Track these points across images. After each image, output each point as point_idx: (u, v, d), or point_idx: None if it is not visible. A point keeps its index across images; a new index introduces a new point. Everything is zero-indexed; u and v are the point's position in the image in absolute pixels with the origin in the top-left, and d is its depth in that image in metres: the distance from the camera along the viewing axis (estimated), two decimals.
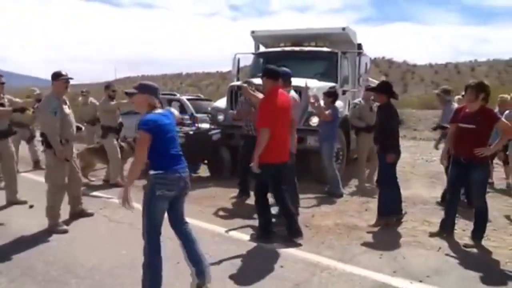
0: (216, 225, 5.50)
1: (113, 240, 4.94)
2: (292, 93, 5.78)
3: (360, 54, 9.16)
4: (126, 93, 3.57)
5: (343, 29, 9.14)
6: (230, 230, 5.29)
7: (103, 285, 3.84)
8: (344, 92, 8.64)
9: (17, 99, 6.64)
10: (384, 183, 5.53)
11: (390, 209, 5.49)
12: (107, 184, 7.70)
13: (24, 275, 4.01)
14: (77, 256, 4.46)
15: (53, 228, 5.21)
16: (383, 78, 16.21)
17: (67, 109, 5.34)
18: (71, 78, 5.38)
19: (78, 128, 5.69)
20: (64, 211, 5.56)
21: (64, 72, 5.36)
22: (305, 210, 6.07)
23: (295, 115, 5.43)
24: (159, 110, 3.46)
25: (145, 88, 3.48)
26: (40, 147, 7.05)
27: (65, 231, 5.22)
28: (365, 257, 4.46)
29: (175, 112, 4.00)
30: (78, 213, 5.76)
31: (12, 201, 6.30)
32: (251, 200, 6.58)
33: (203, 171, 8.75)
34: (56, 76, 5.29)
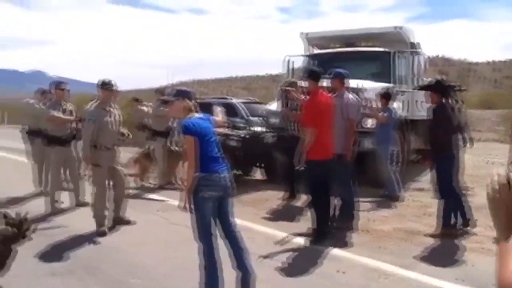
0: (269, 228, 5.51)
1: (171, 242, 5.05)
2: (349, 95, 5.71)
3: (416, 53, 8.87)
4: (164, 101, 3.69)
5: (395, 28, 8.91)
6: (285, 232, 5.27)
7: (161, 286, 3.92)
8: (401, 93, 8.39)
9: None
10: (444, 192, 5.20)
11: (455, 219, 5.25)
12: (163, 186, 7.86)
13: (89, 274, 4.17)
14: (137, 257, 4.59)
15: (97, 228, 5.38)
16: (443, 77, 15.58)
17: (108, 118, 5.47)
18: (114, 87, 5.53)
19: (123, 135, 5.83)
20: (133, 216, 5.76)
21: (108, 81, 5.53)
22: (364, 214, 5.93)
23: (352, 115, 5.42)
24: (195, 114, 3.59)
25: (181, 93, 3.63)
26: None
27: (104, 233, 5.31)
28: (426, 263, 4.31)
29: (219, 115, 4.08)
30: (118, 219, 5.73)
31: (78, 203, 6.58)
32: (300, 202, 6.55)
33: (259, 174, 8.79)
34: (102, 85, 5.49)
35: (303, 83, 6.28)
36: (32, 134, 7.33)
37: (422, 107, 9.12)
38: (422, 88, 5.96)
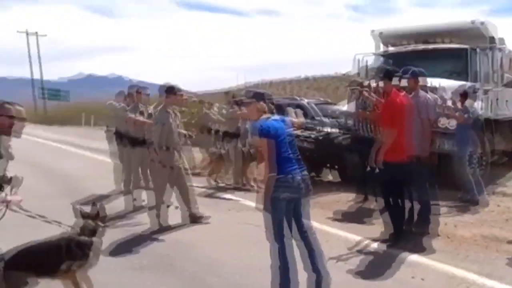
0: (340, 230, 5.44)
1: (243, 241, 5.15)
2: (427, 94, 5.51)
3: (497, 48, 8.32)
4: (242, 103, 3.78)
5: (473, 22, 8.40)
6: (356, 235, 5.18)
7: (235, 284, 4.01)
8: (484, 92, 7.90)
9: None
10: None
11: None
12: (237, 186, 8.00)
13: (167, 270, 4.36)
14: (212, 255, 4.73)
15: (158, 224, 5.69)
16: None
17: (172, 120, 5.77)
18: (178, 92, 5.89)
19: (185, 136, 6.11)
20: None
21: (173, 86, 5.89)
22: (443, 219, 5.66)
23: (429, 115, 5.25)
24: (268, 115, 3.66)
25: (260, 96, 3.77)
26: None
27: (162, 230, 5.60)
28: (509, 272, 4.04)
29: (297, 116, 4.13)
30: (193, 216, 5.93)
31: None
32: (373, 205, 6.39)
33: (331, 176, 8.70)
34: (168, 90, 5.79)
35: (374, 83, 6.14)
36: (115, 135, 7.71)
37: (509, 106, 8.56)
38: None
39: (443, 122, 6.93)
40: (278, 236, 3.55)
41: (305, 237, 3.67)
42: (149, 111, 6.76)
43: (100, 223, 3.50)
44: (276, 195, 3.45)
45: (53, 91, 40.04)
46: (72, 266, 3.33)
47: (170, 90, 5.83)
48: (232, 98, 8.16)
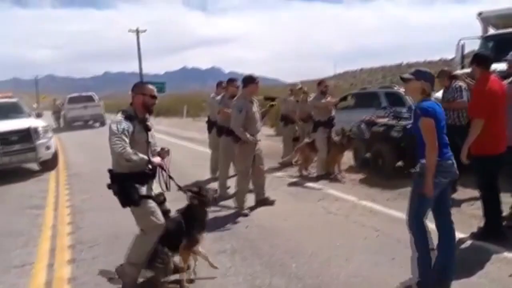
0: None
1: (329, 231, 5.14)
2: None
3: None
4: (402, 78, 3.67)
5: None
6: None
7: (319, 273, 4.03)
8: None
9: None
10: None
11: None
12: (324, 176, 7.94)
13: (254, 255, 4.52)
14: (297, 243, 4.80)
15: (238, 210, 6.00)
16: None
17: (254, 108, 6.00)
18: (257, 81, 6.10)
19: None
20: None
21: (253, 76, 6.12)
22: None
23: None
24: (432, 98, 3.54)
25: (421, 75, 3.54)
26: None
27: (246, 215, 5.89)
28: None
29: None
30: (261, 201, 6.29)
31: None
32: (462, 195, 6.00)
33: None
34: (248, 81, 6.04)
35: (463, 70, 5.75)
36: (211, 124, 8.07)
37: None
38: None
39: None
40: (419, 221, 3.54)
41: (448, 227, 3.63)
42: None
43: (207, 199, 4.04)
44: (437, 180, 3.39)
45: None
46: (191, 239, 3.86)
47: (248, 80, 6.08)
48: (325, 87, 8.10)
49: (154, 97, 3.86)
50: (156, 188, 3.84)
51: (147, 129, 3.79)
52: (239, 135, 5.92)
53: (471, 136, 4.32)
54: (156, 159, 3.77)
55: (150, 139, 3.81)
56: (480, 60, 4.56)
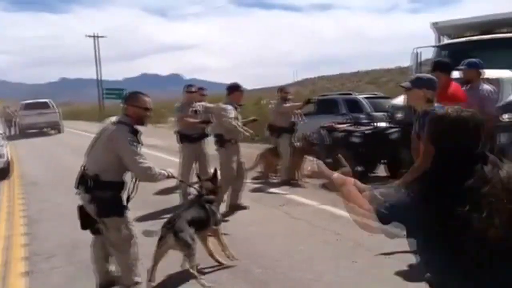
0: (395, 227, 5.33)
1: (292, 236, 5.18)
2: (486, 86, 5.24)
3: None
4: (402, 86, 3.65)
5: None
6: None
7: (284, 277, 4.06)
8: None
9: (211, 105, 7.34)
10: None
11: None
12: (287, 182, 7.99)
13: (214, 262, 4.45)
14: (261, 248, 4.82)
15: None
16: None
17: (235, 114, 6.16)
18: (242, 88, 6.42)
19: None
20: None
21: (239, 85, 6.38)
22: None
23: (488, 109, 4.97)
24: (435, 105, 3.44)
25: (421, 83, 3.51)
26: None
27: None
28: None
29: None
30: (234, 206, 6.34)
31: None
32: None
33: (382, 171, 8.54)
34: (233, 88, 6.29)
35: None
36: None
37: None
38: None
39: (509, 116, 6.56)
40: None
41: None
42: (199, 109, 6.90)
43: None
44: None
45: (110, 90, 41.66)
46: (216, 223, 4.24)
47: (233, 88, 6.30)
48: (285, 94, 8.20)
49: (147, 109, 3.76)
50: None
51: (140, 142, 3.69)
52: (235, 127, 6.03)
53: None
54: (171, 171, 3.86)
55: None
56: (443, 67, 4.74)
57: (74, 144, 15.88)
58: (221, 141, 6.15)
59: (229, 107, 6.13)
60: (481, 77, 5.28)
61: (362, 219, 1.87)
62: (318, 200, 6.62)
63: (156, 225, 4.42)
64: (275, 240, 5.08)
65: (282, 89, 8.32)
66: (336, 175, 2.08)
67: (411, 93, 3.55)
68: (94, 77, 42.64)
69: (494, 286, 1.41)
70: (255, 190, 7.66)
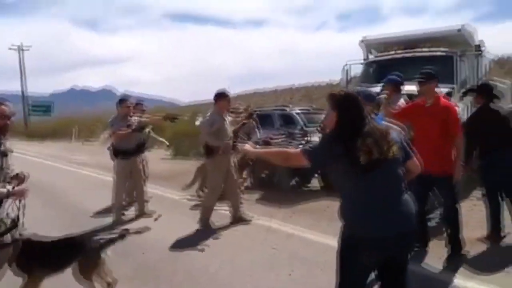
0: (328, 236, 5.45)
1: (229, 249, 5.16)
2: (401, 100, 5.55)
3: (479, 54, 8.49)
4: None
5: (459, 30, 8.56)
6: None
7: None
8: (463, 96, 8.04)
9: (144, 117, 7.17)
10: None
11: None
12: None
13: (154, 279, 4.39)
14: (198, 263, 4.75)
15: (202, 222, 6.10)
16: (489, 80, 14.80)
17: (225, 125, 6.09)
18: (229, 96, 6.20)
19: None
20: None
21: (226, 93, 6.14)
22: None
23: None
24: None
25: (364, 97, 3.59)
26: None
27: (208, 227, 6.01)
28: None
29: None
30: (239, 218, 6.28)
31: (141, 214, 6.84)
32: None
33: (316, 182, 8.75)
34: (219, 96, 6.07)
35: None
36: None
37: None
38: (467, 91, 5.85)
39: None
40: None
41: None
42: (134, 122, 6.71)
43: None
44: None
45: (37, 105, 39.61)
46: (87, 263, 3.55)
47: (218, 96, 6.10)
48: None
49: (5, 117, 3.34)
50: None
51: (4, 154, 3.32)
52: (212, 143, 5.92)
53: None
54: (19, 190, 3.25)
55: (4, 165, 3.31)
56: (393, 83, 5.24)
57: None
58: (207, 151, 6.07)
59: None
60: (402, 92, 5.60)
61: (285, 156, 2.74)
62: (255, 213, 6.66)
63: None
64: (213, 254, 5.03)
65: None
66: (250, 147, 3.07)
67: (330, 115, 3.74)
68: (18, 90, 40.36)
69: (371, 183, 2.44)
70: (191, 207, 7.55)
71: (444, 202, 4.61)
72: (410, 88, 6.28)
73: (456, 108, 6.66)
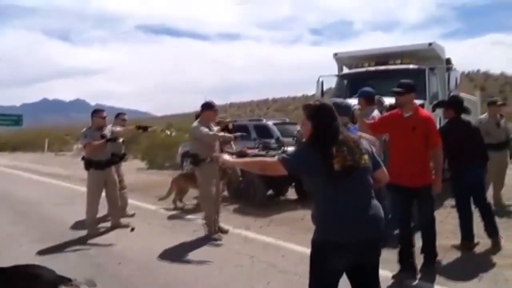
0: (303, 247, 5.51)
1: (206, 260, 5.11)
2: (375, 112, 5.68)
3: (449, 69, 8.79)
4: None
5: (430, 44, 8.85)
6: None
7: None
8: (434, 109, 8.29)
9: (118, 128, 7.13)
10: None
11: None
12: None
13: None
14: (174, 275, 4.71)
15: (210, 235, 6.01)
16: (478, 92, 15.36)
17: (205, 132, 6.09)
18: (216, 107, 6.30)
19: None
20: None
21: (212, 104, 6.27)
22: None
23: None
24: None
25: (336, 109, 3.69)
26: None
27: (219, 239, 5.92)
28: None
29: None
30: (218, 228, 6.25)
31: (116, 225, 6.77)
32: None
33: (291, 193, 8.83)
34: (205, 107, 6.18)
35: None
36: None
37: None
38: (437, 104, 6.08)
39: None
40: None
41: None
42: (107, 133, 6.65)
43: None
44: None
45: (5, 116, 38.57)
46: None
47: (204, 106, 6.20)
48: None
49: None
50: None
51: None
52: (214, 136, 6.03)
53: None
54: None
55: None
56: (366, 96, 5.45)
57: None
58: (195, 160, 6.07)
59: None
60: (373, 104, 5.74)
61: (263, 164, 2.88)
62: (231, 224, 6.68)
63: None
64: (189, 266, 5.01)
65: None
66: (228, 157, 3.11)
67: (305, 125, 3.81)
68: None
69: (344, 189, 2.55)
70: (168, 218, 7.52)
71: (421, 211, 4.59)
72: (391, 100, 6.43)
73: None
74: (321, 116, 2.69)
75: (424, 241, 4.61)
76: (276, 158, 2.75)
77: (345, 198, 2.55)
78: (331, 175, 2.52)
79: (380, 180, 2.85)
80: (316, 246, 2.67)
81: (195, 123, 6.17)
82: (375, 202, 2.66)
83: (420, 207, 4.55)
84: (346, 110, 3.86)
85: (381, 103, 5.91)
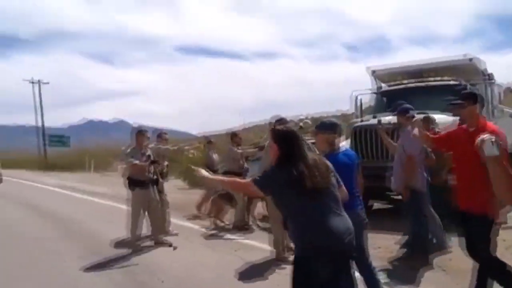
0: None
1: (248, 280, 5.18)
2: (414, 130, 5.62)
3: (491, 84, 8.56)
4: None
5: (470, 60, 8.64)
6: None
7: None
8: None
9: (162, 146, 7.39)
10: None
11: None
12: (240, 227, 8.00)
13: None
14: None
15: (279, 257, 5.89)
16: None
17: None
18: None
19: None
20: None
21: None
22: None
23: (410, 151, 5.37)
24: (341, 148, 3.86)
25: (324, 127, 3.83)
26: None
27: (285, 259, 5.73)
28: None
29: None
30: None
31: (158, 243, 6.93)
32: None
33: None
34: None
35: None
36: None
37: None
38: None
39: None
40: None
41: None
42: (148, 153, 6.91)
43: None
44: None
45: (55, 137, 40.21)
46: None
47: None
48: (239, 139, 8.46)
49: None
50: None
51: None
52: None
53: None
54: None
55: None
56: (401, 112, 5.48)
57: (22, 195, 15.20)
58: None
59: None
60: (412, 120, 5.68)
61: (236, 184, 3.18)
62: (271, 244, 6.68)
63: None
64: (230, 285, 5.07)
65: (235, 135, 8.48)
66: (205, 173, 3.21)
67: (317, 137, 3.90)
68: (31, 123, 41.47)
69: (315, 206, 2.70)
70: (208, 237, 7.63)
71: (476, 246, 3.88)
72: (441, 117, 6.32)
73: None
74: (285, 139, 2.85)
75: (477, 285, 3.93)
76: (249, 179, 2.96)
77: (319, 212, 2.69)
78: (302, 193, 2.66)
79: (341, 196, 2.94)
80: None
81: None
82: (345, 214, 2.80)
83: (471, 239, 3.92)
84: (331, 127, 3.82)
85: (432, 121, 5.90)
